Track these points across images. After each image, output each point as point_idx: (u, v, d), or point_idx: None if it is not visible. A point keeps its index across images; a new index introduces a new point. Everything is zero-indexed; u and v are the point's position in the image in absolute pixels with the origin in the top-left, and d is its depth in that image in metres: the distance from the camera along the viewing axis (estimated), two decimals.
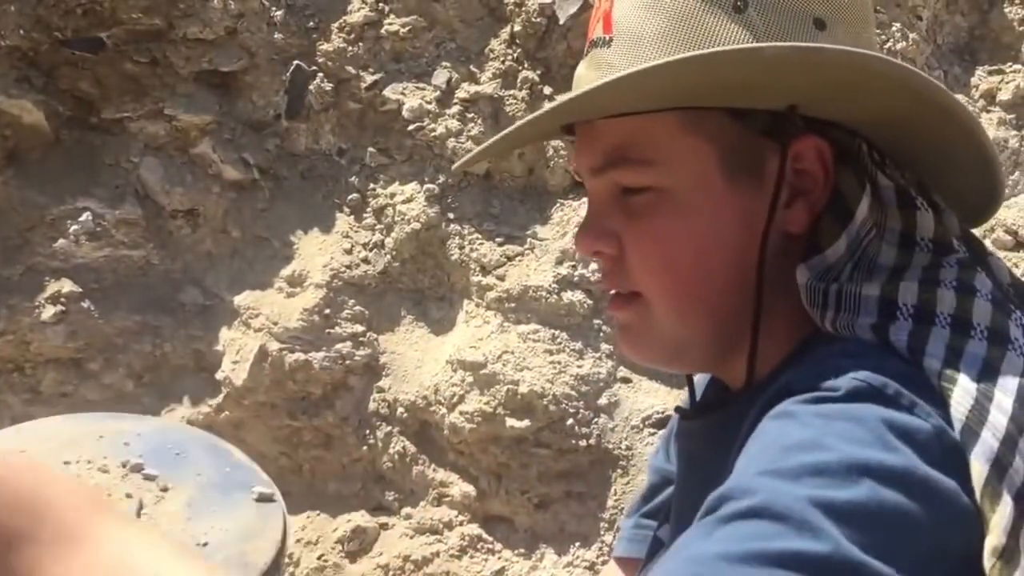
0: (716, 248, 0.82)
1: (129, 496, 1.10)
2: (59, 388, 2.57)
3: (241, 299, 2.63)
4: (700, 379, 1.14)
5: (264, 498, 1.16)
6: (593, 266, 2.64)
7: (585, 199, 2.78)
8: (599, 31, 0.83)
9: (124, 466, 1.15)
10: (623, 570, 1.24)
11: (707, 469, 0.89)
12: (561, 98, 0.78)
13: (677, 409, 1.05)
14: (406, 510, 2.59)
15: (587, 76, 0.82)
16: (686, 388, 1.18)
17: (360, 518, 2.56)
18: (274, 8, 2.72)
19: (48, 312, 2.51)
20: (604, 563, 2.50)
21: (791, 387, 0.73)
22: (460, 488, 2.57)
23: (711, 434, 0.92)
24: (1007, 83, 3.06)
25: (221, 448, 1.34)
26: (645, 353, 0.88)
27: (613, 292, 0.88)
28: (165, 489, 1.12)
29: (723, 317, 0.85)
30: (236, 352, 2.59)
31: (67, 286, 2.53)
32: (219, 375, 2.59)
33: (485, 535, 2.56)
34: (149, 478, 1.14)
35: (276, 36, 2.71)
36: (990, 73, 3.10)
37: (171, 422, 1.42)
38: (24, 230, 2.55)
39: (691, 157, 0.81)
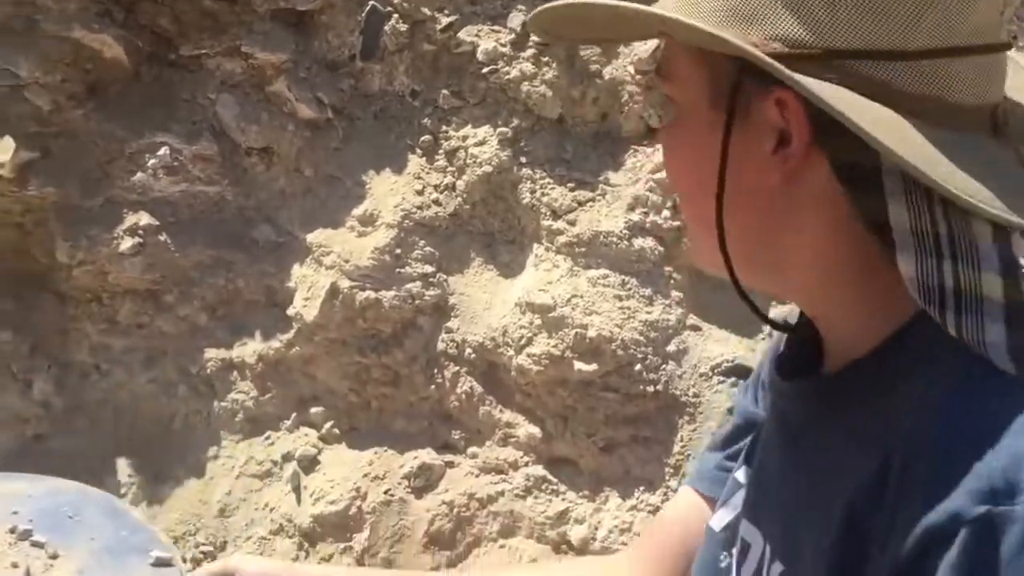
0: (695, 171, 0.85)
1: (15, 565, 1.07)
2: (135, 319, 2.64)
3: (313, 237, 2.68)
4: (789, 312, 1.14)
5: (161, 562, 1.13)
6: (665, 213, 2.65)
7: (659, 145, 2.77)
8: None
9: (12, 532, 1.12)
10: (696, 503, 1.26)
11: (799, 435, 0.91)
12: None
13: (774, 359, 1.04)
14: (472, 449, 2.64)
15: None
16: (759, 336, 1.18)
17: (426, 455, 2.61)
18: None
19: (126, 244, 2.58)
20: None
21: (950, 460, 0.69)
22: (526, 429, 2.61)
23: (806, 398, 0.91)
24: None
25: (119, 510, 1.31)
26: (692, 259, 0.99)
27: None
28: (55, 556, 1.10)
29: (733, 241, 0.85)
30: (307, 289, 2.64)
31: (145, 219, 2.60)
32: (290, 311, 2.65)
33: (550, 476, 2.60)
34: (37, 545, 1.11)
35: None
36: None
37: (67, 482, 1.39)
38: (104, 163, 2.61)
39: (693, 81, 0.83)
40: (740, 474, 1.07)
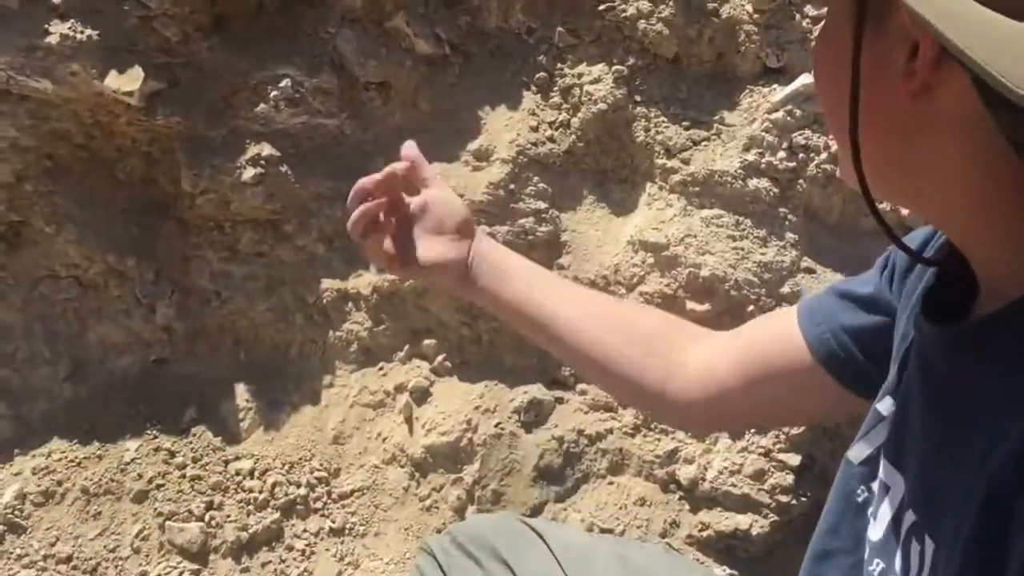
0: (837, 80, 0.82)
1: None
2: (256, 248, 2.71)
3: None
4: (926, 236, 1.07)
5: None
6: (781, 154, 2.64)
7: (776, 86, 2.74)
8: None
9: None
10: (796, 344, 1.24)
11: (945, 384, 0.86)
12: None
13: (921, 293, 0.99)
14: (581, 386, 2.67)
15: None
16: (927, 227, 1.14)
17: (536, 391, 2.64)
18: None
19: (248, 174, 2.64)
20: (781, 451, 2.54)
21: None
22: None
23: (953, 346, 0.87)
24: None
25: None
26: (840, 174, 0.95)
27: None
28: None
29: (870, 159, 0.82)
30: None
31: (266, 150, 2.66)
32: None
33: None
34: None
35: None
36: None
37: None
38: (228, 94, 2.67)
39: None
40: (883, 406, 1.03)
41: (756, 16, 2.70)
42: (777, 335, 1.27)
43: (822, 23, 0.89)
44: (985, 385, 0.78)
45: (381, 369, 2.72)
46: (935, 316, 0.91)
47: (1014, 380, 0.74)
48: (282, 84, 2.67)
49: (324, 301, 2.72)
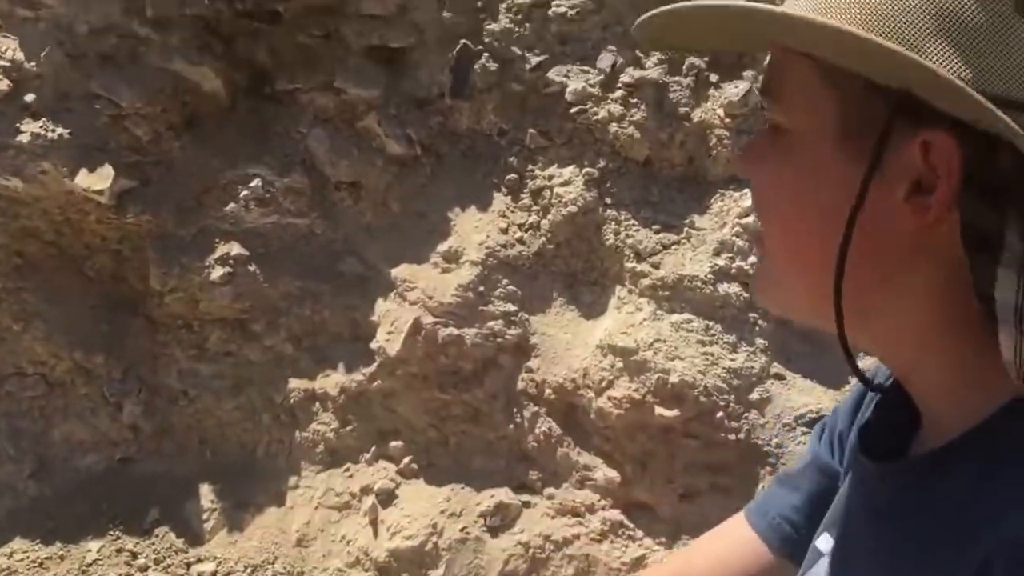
0: (830, 220, 0.76)
1: None
2: (224, 347, 2.71)
3: (398, 272, 2.72)
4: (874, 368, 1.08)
5: None
6: (752, 259, 2.64)
7: (747, 190, 2.77)
8: None
9: None
10: (747, 539, 1.22)
11: (886, 519, 0.85)
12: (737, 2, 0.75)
13: (859, 428, 0.98)
14: (549, 490, 2.65)
15: None
16: (845, 388, 1.13)
17: (504, 494, 2.63)
18: None
19: (217, 273, 2.65)
20: None
21: None
22: (604, 473, 2.62)
23: (894, 481, 0.86)
24: None
25: None
26: (766, 300, 0.85)
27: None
28: None
29: (818, 284, 0.78)
30: (391, 323, 2.69)
31: (236, 249, 2.67)
32: (373, 344, 2.69)
33: (627, 522, 2.60)
34: None
35: (445, 15, 2.78)
36: None
37: None
38: (198, 193, 2.69)
39: (816, 106, 0.75)
40: (821, 542, 1.01)
41: (727, 121, 2.72)
42: (732, 544, 1.26)
43: (762, 136, 0.80)
44: (928, 522, 0.78)
45: (347, 470, 2.70)
46: (875, 452, 0.90)
47: (956, 517, 0.74)
48: (253, 183, 2.69)
49: (291, 401, 2.72)
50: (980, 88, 0.66)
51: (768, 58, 0.79)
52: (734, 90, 2.72)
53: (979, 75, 0.68)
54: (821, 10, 0.72)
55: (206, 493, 2.67)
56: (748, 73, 2.73)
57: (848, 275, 0.76)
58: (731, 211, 2.69)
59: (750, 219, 2.65)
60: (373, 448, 2.70)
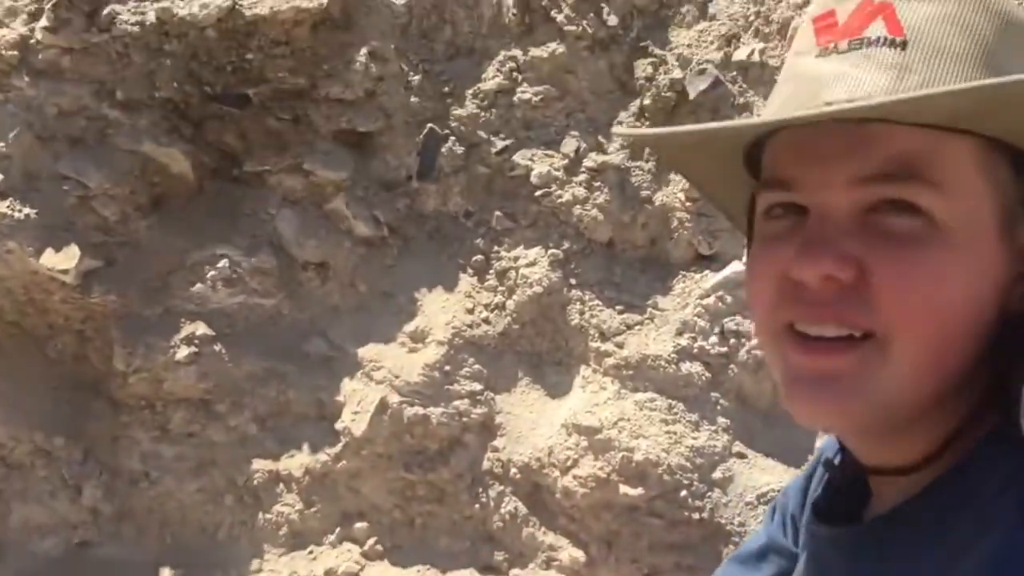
0: (974, 305, 0.74)
1: None
2: (187, 427, 2.70)
3: (364, 351, 2.74)
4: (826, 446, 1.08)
5: None
6: (713, 338, 2.70)
7: (708, 272, 2.81)
8: (879, 30, 0.75)
9: None
10: None
11: None
12: (865, 100, 0.71)
13: (812, 501, 1.00)
14: (515, 571, 2.65)
15: (859, 74, 0.74)
16: (805, 466, 1.16)
17: None
18: (412, 73, 2.87)
19: (182, 353, 2.65)
20: None
21: None
22: (569, 553, 2.62)
23: (846, 547, 0.87)
24: None
25: None
26: (851, 415, 0.76)
27: (829, 335, 0.75)
28: None
29: (953, 388, 0.76)
30: (357, 403, 2.70)
31: (201, 328, 2.68)
32: (339, 425, 2.70)
33: None
34: None
35: (412, 100, 2.86)
36: None
37: None
38: (165, 273, 2.71)
39: (975, 194, 0.73)
40: None
41: (689, 204, 2.79)
42: None
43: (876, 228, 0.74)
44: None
45: (311, 552, 2.68)
46: (829, 521, 0.92)
47: (917, 568, 0.76)
48: (220, 264, 2.71)
49: (255, 482, 2.71)
50: None
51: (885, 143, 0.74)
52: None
53: None
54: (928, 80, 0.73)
55: None
56: None
57: (974, 352, 0.76)
58: (693, 292, 2.75)
59: (711, 299, 2.71)
60: (337, 529, 2.69)
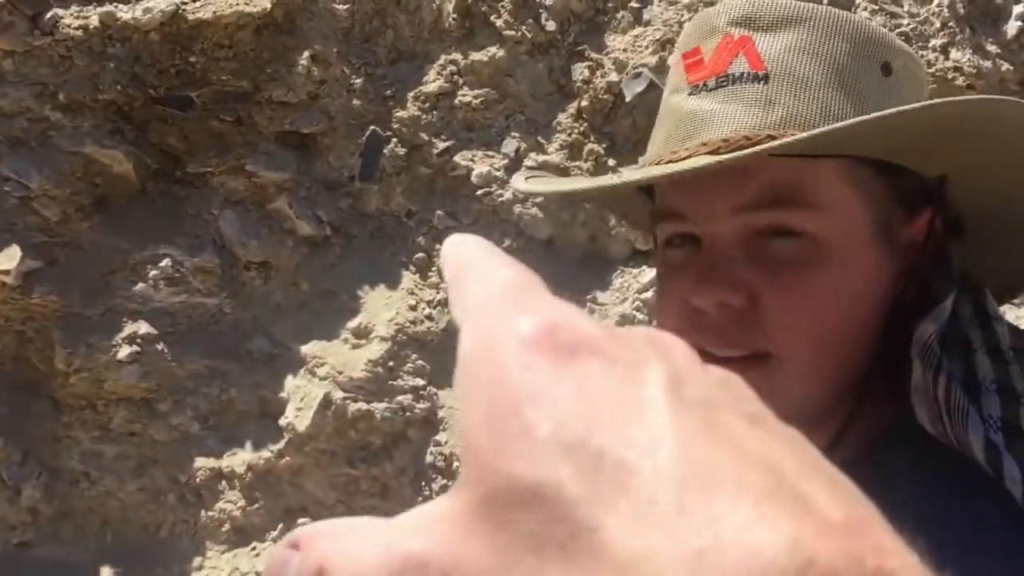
0: (860, 310, 0.81)
1: None
2: (128, 427, 2.74)
3: (307, 349, 2.81)
4: None
5: None
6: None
7: (646, 267, 2.92)
8: (742, 65, 0.82)
9: None
10: None
11: None
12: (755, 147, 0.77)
13: None
14: None
15: (729, 111, 0.81)
16: None
17: None
18: (354, 76, 2.97)
19: (124, 352, 2.70)
20: None
21: None
22: None
23: None
24: None
25: None
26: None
27: (734, 356, 0.81)
28: None
29: (849, 385, 0.83)
30: (300, 400, 2.76)
31: (143, 328, 2.73)
32: (282, 421, 2.75)
33: None
34: None
35: (355, 102, 2.95)
36: None
37: None
38: (106, 273, 2.76)
39: (848, 209, 0.80)
40: None
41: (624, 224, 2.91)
42: None
43: (754, 253, 0.81)
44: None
45: (254, 549, 2.72)
46: None
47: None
48: (162, 263, 2.77)
49: (197, 480, 2.74)
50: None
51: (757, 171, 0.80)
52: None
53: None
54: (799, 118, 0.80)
55: None
56: (643, 158, 2.94)
57: (863, 352, 0.83)
58: (631, 287, 2.85)
59: (649, 294, 2.81)
60: (280, 526, 2.73)
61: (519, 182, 1.02)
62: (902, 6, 3.05)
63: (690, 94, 0.84)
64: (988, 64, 2.99)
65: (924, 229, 0.83)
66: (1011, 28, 3.05)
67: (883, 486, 0.74)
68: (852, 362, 0.82)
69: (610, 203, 1.04)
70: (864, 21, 0.85)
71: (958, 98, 0.78)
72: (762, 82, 0.80)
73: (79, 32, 2.81)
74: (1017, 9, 3.12)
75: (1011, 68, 2.99)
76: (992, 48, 3.01)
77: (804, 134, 0.75)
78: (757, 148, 0.76)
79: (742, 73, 0.81)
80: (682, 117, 0.84)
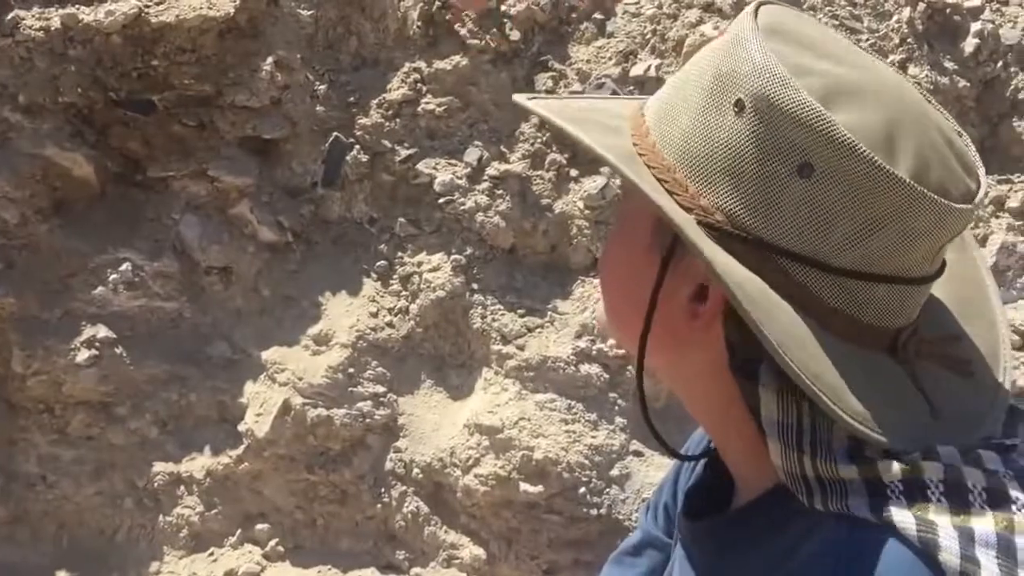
0: (632, 279, 0.90)
1: None
2: (86, 431, 2.78)
3: (268, 354, 2.86)
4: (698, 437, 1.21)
5: None
6: (611, 341, 2.87)
7: None
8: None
9: None
10: None
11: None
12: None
13: (687, 495, 1.10)
14: (416, 570, 2.77)
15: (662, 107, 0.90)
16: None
17: (370, 575, 2.73)
18: (318, 83, 3.03)
19: (82, 355, 2.74)
20: None
21: None
22: (470, 551, 2.75)
23: (706, 539, 0.98)
24: (1015, 192, 3.35)
25: None
26: (608, 332, 0.99)
27: None
28: None
29: (631, 338, 0.91)
30: (260, 405, 2.81)
31: (102, 332, 2.77)
32: (241, 427, 2.80)
33: None
34: None
35: (318, 109, 3.01)
36: (999, 182, 3.39)
37: None
38: (65, 276, 2.80)
39: (640, 209, 0.89)
40: None
41: (587, 212, 2.98)
42: None
43: (617, 220, 0.98)
44: (741, 569, 0.90)
45: (211, 555, 2.77)
46: (695, 515, 1.02)
47: (746, 567, 0.87)
48: (122, 267, 2.81)
49: (155, 485, 2.79)
50: (756, 234, 0.80)
51: None
52: (593, 184, 2.99)
53: (755, 221, 0.81)
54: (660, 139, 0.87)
55: None
56: (606, 169, 3.02)
57: (653, 336, 0.89)
58: (591, 296, 2.92)
59: None
60: (239, 531, 2.79)
61: (521, 99, 1.02)
62: (862, 21, 3.14)
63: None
64: (945, 80, 3.09)
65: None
66: (968, 45, 3.15)
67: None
68: (657, 349, 0.90)
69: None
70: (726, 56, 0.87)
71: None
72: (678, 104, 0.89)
73: (40, 33, 2.85)
74: (975, 27, 3.22)
75: (968, 85, 3.09)
76: (950, 65, 3.11)
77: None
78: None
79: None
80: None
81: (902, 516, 0.75)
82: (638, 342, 0.89)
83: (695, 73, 0.87)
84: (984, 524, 0.75)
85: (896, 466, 0.77)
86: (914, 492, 0.76)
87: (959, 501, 0.77)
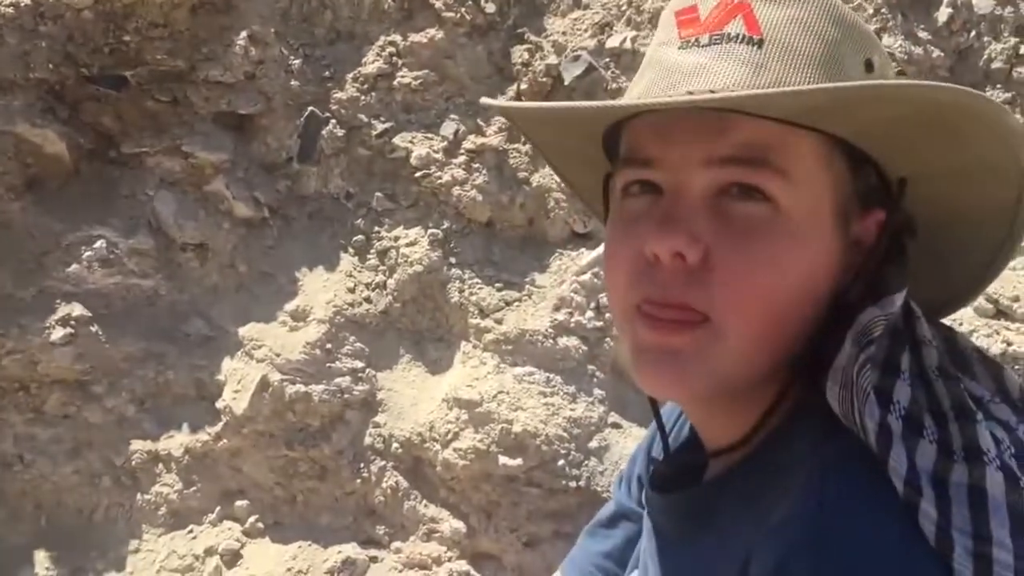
0: (807, 290, 0.83)
1: None
2: (63, 409, 2.78)
3: (245, 331, 2.86)
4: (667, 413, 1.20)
5: None
6: (589, 313, 2.89)
7: (584, 249, 3.01)
8: (738, 27, 0.84)
9: None
10: None
11: (673, 546, 0.98)
12: (720, 94, 0.79)
13: (652, 472, 1.11)
14: (396, 544, 2.79)
15: (719, 67, 0.83)
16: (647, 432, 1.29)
17: (351, 550, 2.75)
18: (292, 57, 3.02)
19: (57, 334, 2.74)
20: None
21: (791, 543, 0.75)
22: (450, 524, 2.78)
23: (677, 511, 0.98)
24: None
25: None
26: (689, 385, 0.85)
27: (670, 318, 0.84)
28: None
29: (780, 365, 0.86)
30: (238, 382, 2.82)
31: (77, 310, 2.76)
32: (219, 404, 2.81)
33: (473, 572, 2.75)
34: None
35: (293, 83, 3.01)
36: None
37: None
38: (39, 254, 2.79)
39: (816, 187, 0.83)
40: None
41: (564, 185, 2.99)
42: None
43: (720, 208, 0.84)
44: (706, 540, 0.91)
45: (191, 532, 2.78)
46: (664, 488, 1.04)
47: (729, 529, 0.88)
48: (96, 245, 2.81)
49: (133, 463, 2.80)
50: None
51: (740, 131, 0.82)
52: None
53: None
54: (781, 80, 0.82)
55: (41, 560, 2.70)
56: None
57: (801, 334, 0.86)
58: (569, 269, 2.94)
59: (587, 276, 2.91)
60: (218, 508, 2.80)
61: (487, 100, 1.04)
62: None
63: (680, 48, 0.86)
64: (919, 50, 3.11)
65: (876, 229, 0.87)
66: (942, 15, 3.17)
67: (787, 467, 0.81)
68: (790, 341, 0.84)
69: (564, 155, 1.05)
70: (854, 14, 0.88)
71: (933, 83, 0.79)
72: (756, 46, 0.83)
73: (10, 9, 2.83)
74: None
75: (941, 54, 3.11)
76: (923, 35, 3.13)
77: (789, 88, 0.79)
78: (742, 93, 0.79)
79: (738, 34, 0.83)
80: (669, 67, 0.86)
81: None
82: (785, 332, 0.85)
83: None
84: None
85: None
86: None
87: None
